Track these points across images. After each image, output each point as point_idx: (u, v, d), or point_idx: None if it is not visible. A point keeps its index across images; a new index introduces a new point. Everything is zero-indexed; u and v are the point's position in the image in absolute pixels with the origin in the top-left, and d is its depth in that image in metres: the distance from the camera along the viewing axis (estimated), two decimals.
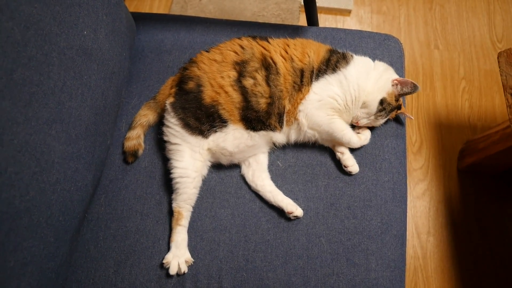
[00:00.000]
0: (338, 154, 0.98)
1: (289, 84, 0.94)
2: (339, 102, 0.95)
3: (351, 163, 0.97)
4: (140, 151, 0.99)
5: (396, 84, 0.98)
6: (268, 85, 0.92)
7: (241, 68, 0.93)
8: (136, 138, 0.99)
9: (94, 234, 0.92)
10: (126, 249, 0.91)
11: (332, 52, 0.99)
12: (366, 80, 0.97)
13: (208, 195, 0.97)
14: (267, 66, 0.94)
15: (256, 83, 0.92)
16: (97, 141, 0.86)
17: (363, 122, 1.00)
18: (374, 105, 0.97)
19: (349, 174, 0.98)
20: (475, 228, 1.53)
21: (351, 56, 1.00)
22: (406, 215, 0.98)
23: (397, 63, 1.12)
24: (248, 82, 0.92)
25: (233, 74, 0.92)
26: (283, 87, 0.93)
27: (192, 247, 0.92)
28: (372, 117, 0.99)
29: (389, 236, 0.94)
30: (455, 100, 1.77)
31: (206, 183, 0.97)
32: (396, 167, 1.01)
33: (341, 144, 0.98)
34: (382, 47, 1.14)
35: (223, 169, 1.00)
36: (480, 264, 1.48)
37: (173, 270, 0.87)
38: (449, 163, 1.65)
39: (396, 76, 1.01)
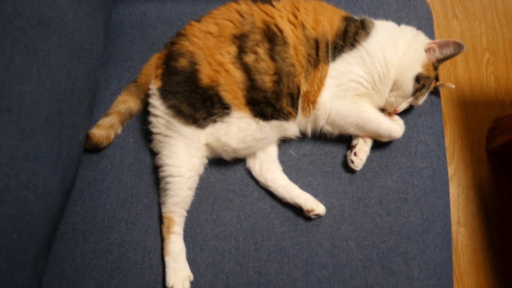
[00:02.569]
0: (360, 139, 0.88)
1: (302, 56, 0.83)
2: (365, 86, 0.85)
3: (363, 157, 0.87)
4: (104, 145, 0.89)
5: (433, 49, 0.86)
6: (273, 59, 0.83)
7: (241, 42, 0.84)
8: (107, 128, 0.89)
9: (69, 250, 0.83)
10: (110, 266, 0.82)
11: (348, 20, 0.88)
12: (394, 51, 0.86)
13: (207, 195, 0.89)
14: (271, 36, 0.83)
15: (258, 58, 0.83)
16: (64, 134, 0.74)
17: (402, 107, 0.89)
18: (409, 85, 0.86)
19: (351, 163, 0.87)
20: (510, 215, 1.44)
21: (372, 23, 0.89)
22: (449, 208, 0.91)
23: (426, 27, 1.04)
24: (249, 58, 0.83)
25: (233, 49, 0.83)
26: (294, 60, 0.83)
27: (191, 260, 0.83)
28: (411, 99, 0.89)
29: (432, 235, 0.86)
30: (479, 74, 1.69)
31: (204, 180, 0.89)
32: (434, 150, 0.92)
33: (377, 137, 0.88)
34: (407, 9, 1.06)
35: (225, 163, 0.91)
36: None
37: None
38: (477, 144, 1.57)
39: (428, 40, 0.90)
